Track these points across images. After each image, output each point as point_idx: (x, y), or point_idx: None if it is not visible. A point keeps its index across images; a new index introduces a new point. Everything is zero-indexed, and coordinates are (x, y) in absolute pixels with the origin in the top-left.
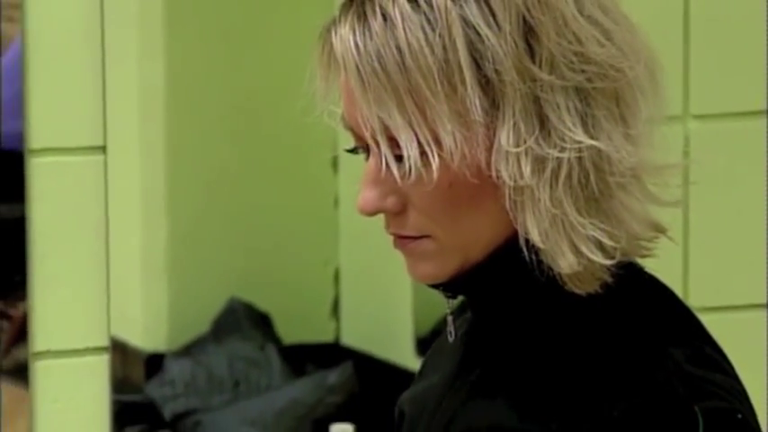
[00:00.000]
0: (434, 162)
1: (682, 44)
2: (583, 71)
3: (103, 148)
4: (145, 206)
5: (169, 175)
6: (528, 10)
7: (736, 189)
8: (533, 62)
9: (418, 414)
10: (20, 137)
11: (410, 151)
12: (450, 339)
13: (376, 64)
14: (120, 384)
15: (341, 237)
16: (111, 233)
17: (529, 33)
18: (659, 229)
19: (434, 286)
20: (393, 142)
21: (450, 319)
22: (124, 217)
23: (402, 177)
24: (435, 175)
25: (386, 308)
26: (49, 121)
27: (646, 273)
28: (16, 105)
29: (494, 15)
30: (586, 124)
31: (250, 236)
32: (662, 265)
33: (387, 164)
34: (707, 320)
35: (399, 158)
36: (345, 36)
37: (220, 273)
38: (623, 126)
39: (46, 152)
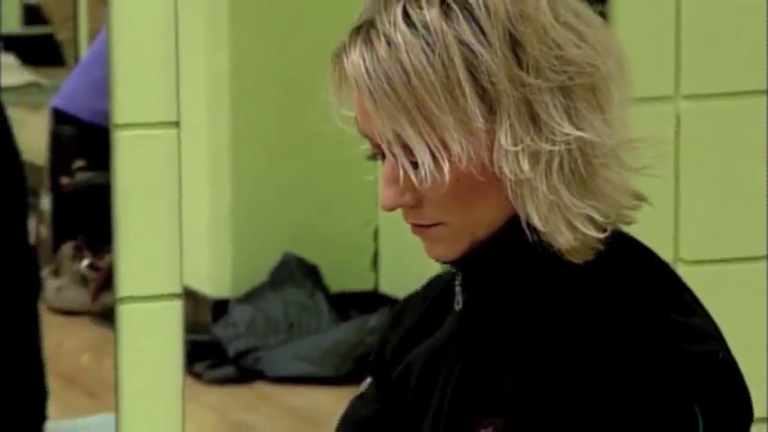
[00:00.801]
0: (445, 166)
1: (674, 27)
2: (564, 71)
3: (177, 123)
4: (212, 173)
5: (233, 146)
6: (512, 25)
7: (729, 156)
8: (521, 69)
9: (432, 356)
10: (105, 113)
11: (424, 158)
12: (457, 308)
13: (386, 86)
14: (190, 326)
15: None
16: (184, 196)
17: (515, 45)
18: (640, 198)
19: (446, 262)
20: (407, 150)
21: (458, 289)
22: (194, 183)
23: (420, 183)
24: (447, 178)
25: (418, 260)
26: (130, 100)
27: (627, 235)
28: (103, 86)
29: (483, 33)
30: (571, 117)
31: (302, 200)
32: (657, 222)
33: (405, 171)
34: (705, 272)
35: (414, 164)
36: (356, 62)
37: (277, 231)
38: (601, 113)
39: (128, 127)
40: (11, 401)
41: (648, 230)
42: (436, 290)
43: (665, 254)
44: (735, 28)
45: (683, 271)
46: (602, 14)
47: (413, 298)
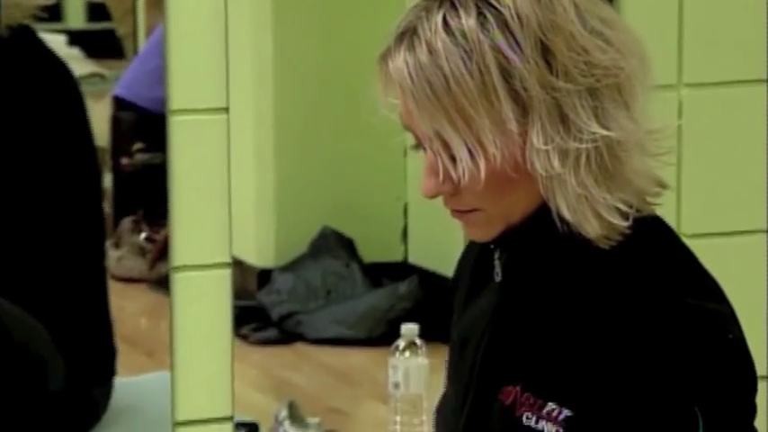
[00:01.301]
0: (481, 163)
1: (677, 17)
2: (592, 75)
3: (226, 109)
4: (257, 154)
5: (276, 130)
6: (543, 34)
7: (729, 139)
8: (552, 74)
9: (471, 328)
10: (161, 100)
11: (462, 155)
12: (497, 279)
13: (428, 90)
14: (238, 293)
15: (408, 178)
16: (232, 175)
17: (546, 52)
18: (662, 185)
19: (484, 243)
20: (446, 147)
21: (497, 263)
22: (241, 163)
23: (458, 178)
24: (483, 174)
25: (444, 233)
26: (184, 88)
27: (659, 221)
28: (159, 76)
29: (517, 42)
30: (598, 117)
31: (339, 178)
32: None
33: (443, 164)
34: (705, 245)
35: (453, 159)
36: (400, 66)
37: (316, 206)
38: (626, 109)
39: (182, 112)
40: (86, 357)
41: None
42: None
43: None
44: (735, 20)
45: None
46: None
47: (463, 269)
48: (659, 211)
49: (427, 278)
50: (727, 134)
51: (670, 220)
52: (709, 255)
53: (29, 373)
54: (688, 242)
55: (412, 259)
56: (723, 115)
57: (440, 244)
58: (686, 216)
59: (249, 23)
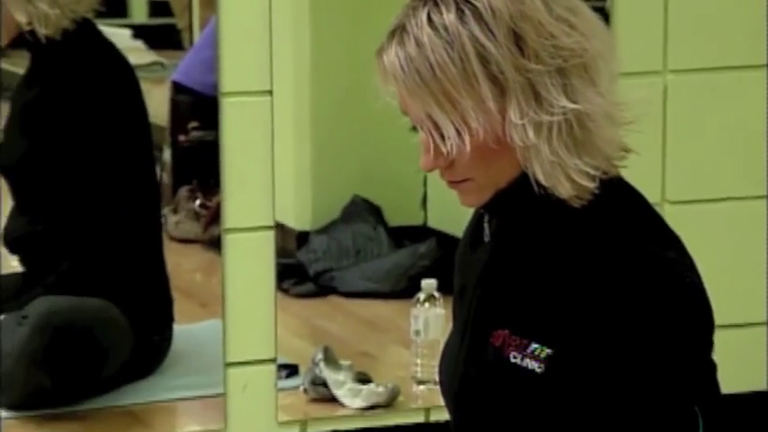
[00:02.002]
0: (466, 139)
1: (662, 13)
2: (559, 56)
3: (270, 92)
4: (296, 131)
5: (313, 109)
6: (514, 23)
7: (708, 119)
8: (524, 58)
9: (466, 278)
10: (214, 85)
11: (449, 133)
12: (486, 240)
13: (417, 78)
14: (279, 252)
15: None
16: (275, 149)
17: (517, 39)
18: (627, 150)
19: (477, 208)
20: (436, 126)
21: (486, 225)
22: (282, 139)
23: (447, 152)
24: (468, 147)
25: (457, 201)
26: (233, 74)
27: (623, 181)
28: (211, 64)
29: (491, 31)
30: (567, 92)
31: (366, 152)
32: (647, 171)
33: (435, 142)
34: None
35: (443, 137)
36: (392, 60)
37: (347, 177)
38: (593, 85)
39: (232, 94)
40: (147, 308)
41: (640, 177)
42: (473, 220)
43: (654, 196)
44: (716, 13)
45: (668, 210)
46: (602, 9)
47: (466, 231)
48: (644, 179)
49: (444, 240)
50: (707, 116)
51: (656, 188)
52: (689, 219)
53: (100, 326)
54: (671, 208)
55: (430, 223)
56: (703, 99)
57: (454, 210)
58: (669, 186)
59: (290, 16)
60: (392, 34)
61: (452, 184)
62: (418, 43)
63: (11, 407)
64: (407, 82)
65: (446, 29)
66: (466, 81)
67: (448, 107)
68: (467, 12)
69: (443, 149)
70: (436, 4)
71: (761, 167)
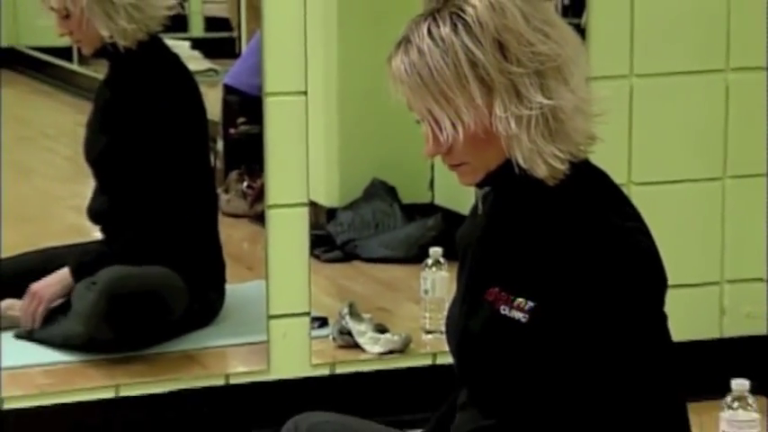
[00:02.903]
0: (460, 130)
1: (629, 25)
2: (537, 60)
3: (305, 92)
4: (326, 125)
5: (339, 108)
6: (499, 34)
7: (668, 116)
8: (507, 62)
9: (466, 247)
10: (258, 87)
11: (446, 126)
12: (479, 212)
13: (418, 80)
14: (312, 224)
15: None
16: (309, 140)
17: (501, 47)
18: (594, 138)
19: (471, 185)
20: (435, 120)
21: (480, 200)
22: (315, 131)
23: (445, 141)
24: (462, 137)
25: (458, 184)
26: (275, 77)
27: (590, 164)
28: (257, 69)
29: (479, 41)
30: (543, 91)
31: (384, 142)
32: (615, 157)
33: (435, 133)
34: (650, 191)
35: (440, 128)
36: (398, 65)
37: (368, 163)
38: (565, 84)
39: (273, 94)
40: (205, 269)
41: (611, 162)
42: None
43: (621, 178)
44: (674, 26)
45: (633, 190)
46: (578, 25)
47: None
48: (613, 164)
49: (448, 215)
50: (666, 113)
51: (623, 171)
52: (652, 197)
53: (162, 290)
54: (636, 188)
55: (437, 201)
56: (663, 98)
57: (457, 190)
58: (635, 169)
59: (320, 30)
60: (399, 45)
61: (451, 167)
62: (420, 52)
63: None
64: (411, 83)
65: (442, 39)
66: (458, 82)
67: (444, 104)
68: (459, 25)
69: (441, 139)
70: (435, 20)
71: (713, 155)
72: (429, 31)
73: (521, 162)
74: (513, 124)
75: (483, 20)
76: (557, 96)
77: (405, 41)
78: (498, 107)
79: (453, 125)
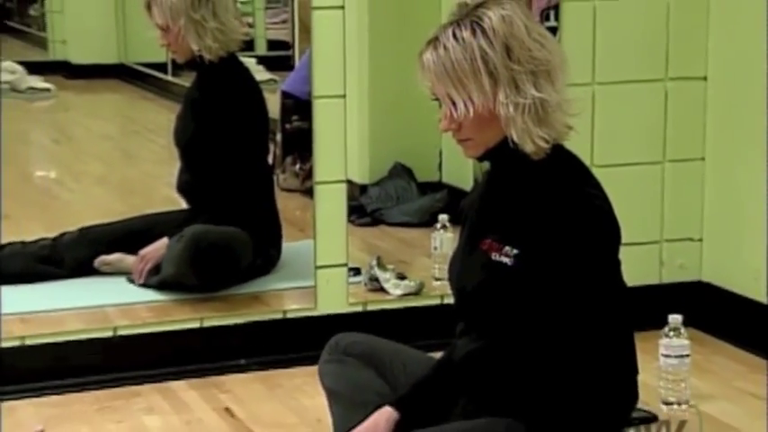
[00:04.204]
0: (471, 110)
1: (591, 39)
2: (533, 63)
3: (344, 96)
4: (359, 121)
5: (370, 107)
6: (507, 40)
7: (624, 116)
8: (511, 62)
9: (468, 211)
10: (308, 92)
11: (460, 106)
12: (479, 181)
13: (443, 70)
14: (349, 197)
15: (442, 136)
16: (347, 133)
17: (508, 50)
18: (570, 128)
19: (474, 158)
20: (452, 101)
21: (481, 178)
22: (351, 125)
23: (458, 117)
24: (471, 115)
25: (459, 167)
26: (321, 83)
27: (564, 147)
28: (307, 78)
29: (491, 44)
30: (536, 86)
31: (404, 135)
32: (581, 142)
33: (451, 111)
34: (610, 172)
35: (456, 108)
36: (429, 58)
37: (391, 150)
38: (552, 85)
39: (320, 97)
40: (267, 230)
41: (578, 148)
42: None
43: (586, 161)
44: (625, 46)
45: (595, 171)
46: (555, 29)
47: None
48: (580, 148)
49: (452, 190)
50: (620, 112)
51: (587, 156)
52: (609, 176)
53: (233, 244)
54: (597, 170)
55: (444, 180)
56: (618, 101)
57: (459, 171)
58: (596, 154)
59: (356, 49)
60: (429, 43)
61: (459, 141)
62: (445, 48)
63: (176, 293)
64: (437, 72)
65: (464, 40)
66: (473, 73)
67: (460, 89)
68: (478, 31)
69: (456, 116)
70: (458, 25)
71: (655, 144)
72: (454, 34)
73: (515, 138)
74: (511, 109)
75: (496, 28)
76: (545, 92)
77: (435, 40)
78: (501, 94)
79: (466, 106)
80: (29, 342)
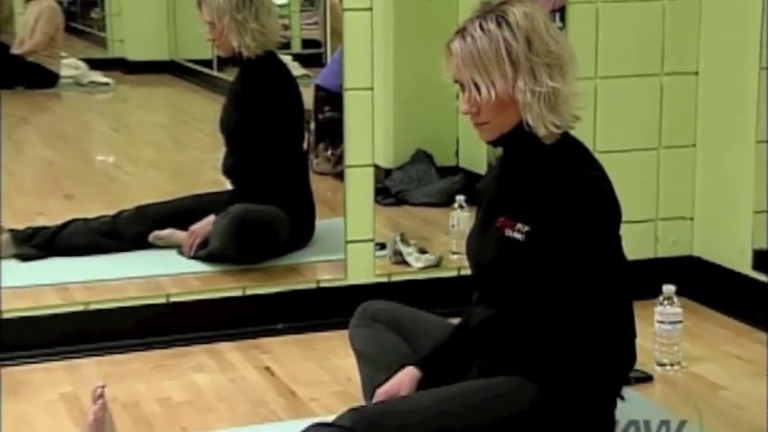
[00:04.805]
0: (492, 94)
1: (594, 38)
2: (549, 56)
3: (371, 88)
4: (384, 110)
5: (395, 98)
6: (528, 33)
7: (623, 106)
8: (531, 53)
9: (484, 191)
10: (340, 85)
11: (482, 90)
12: (495, 164)
13: (469, 57)
14: (375, 179)
15: (459, 124)
16: (374, 123)
17: (528, 42)
18: (577, 118)
19: (489, 142)
20: (476, 86)
21: (495, 162)
22: (378, 115)
23: (481, 100)
24: (493, 99)
25: (475, 153)
26: (352, 77)
27: (571, 134)
28: (339, 73)
29: (514, 35)
30: (550, 76)
31: (425, 123)
32: (586, 129)
33: (473, 95)
34: (611, 158)
35: (479, 92)
36: (457, 46)
37: (413, 137)
38: (563, 77)
39: (350, 89)
40: (302, 209)
41: (582, 136)
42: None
43: (590, 146)
44: (625, 44)
45: (598, 156)
46: (561, 30)
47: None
48: (584, 135)
49: (468, 174)
50: (620, 103)
51: (590, 143)
52: (611, 161)
53: (272, 220)
54: (599, 155)
55: (461, 164)
56: (618, 94)
57: (474, 157)
58: (599, 141)
59: (382, 46)
60: (457, 32)
61: (478, 125)
62: (472, 38)
63: (221, 264)
64: (463, 59)
65: (489, 31)
66: (496, 62)
67: (484, 75)
68: (503, 23)
69: (478, 100)
70: (485, 18)
71: (651, 133)
72: (480, 25)
73: (530, 122)
74: (528, 95)
75: (520, 22)
76: (558, 83)
77: (462, 31)
78: (521, 82)
79: (488, 90)
80: (92, 307)
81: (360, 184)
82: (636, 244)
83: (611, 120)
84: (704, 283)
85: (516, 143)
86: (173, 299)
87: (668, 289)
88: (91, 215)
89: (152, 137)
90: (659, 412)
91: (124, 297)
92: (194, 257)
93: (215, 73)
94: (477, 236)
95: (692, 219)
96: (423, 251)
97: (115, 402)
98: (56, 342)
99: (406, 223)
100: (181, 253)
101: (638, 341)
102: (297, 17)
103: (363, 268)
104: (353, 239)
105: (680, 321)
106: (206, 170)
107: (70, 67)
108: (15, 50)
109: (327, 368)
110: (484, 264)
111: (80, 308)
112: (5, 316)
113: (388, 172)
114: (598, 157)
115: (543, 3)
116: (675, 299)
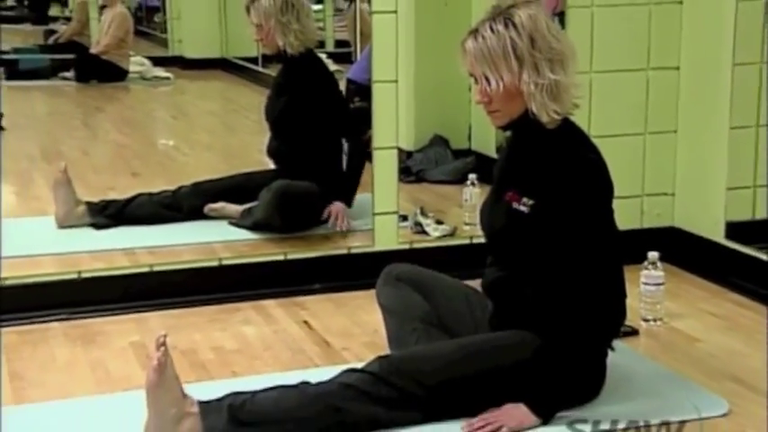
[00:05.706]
0: (501, 86)
1: (589, 36)
2: (551, 52)
3: (396, 81)
4: (406, 101)
5: (415, 89)
6: (531, 32)
7: (614, 96)
8: (534, 50)
9: (495, 171)
10: (369, 79)
11: (492, 83)
12: (504, 145)
13: (480, 54)
14: (399, 160)
15: (472, 113)
16: (399, 110)
17: (532, 40)
18: (577, 105)
19: (500, 127)
20: (486, 79)
21: (505, 141)
22: (401, 104)
23: (491, 91)
24: (502, 90)
25: (485, 137)
26: (379, 71)
27: (570, 120)
28: (368, 68)
29: (520, 35)
30: (552, 71)
31: (442, 111)
32: (582, 116)
33: (485, 87)
34: (606, 141)
35: (489, 84)
36: (470, 45)
37: (431, 123)
38: (563, 71)
39: (378, 82)
40: (335, 185)
41: (579, 120)
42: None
43: (586, 130)
44: (615, 42)
45: (594, 140)
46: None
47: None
48: (581, 120)
49: (480, 156)
50: (612, 94)
51: (586, 127)
52: (603, 145)
53: (309, 194)
54: (595, 139)
55: (473, 147)
56: (610, 86)
57: (484, 141)
58: (594, 126)
59: (404, 43)
60: (470, 33)
61: (490, 113)
62: (483, 38)
63: (265, 232)
64: (476, 56)
65: (498, 32)
66: (504, 58)
67: (494, 69)
68: (510, 25)
69: (489, 91)
70: (494, 20)
71: (638, 119)
72: (490, 27)
73: (534, 110)
74: (532, 87)
75: (524, 23)
76: (559, 76)
77: (475, 31)
78: (525, 75)
79: (497, 83)
80: (156, 269)
81: (385, 164)
82: (624, 216)
83: (604, 108)
84: (683, 251)
85: (523, 128)
86: (224, 262)
87: (652, 255)
88: (154, 190)
89: (206, 123)
90: (644, 362)
91: (183, 260)
92: (241, 226)
93: (260, 68)
94: (489, 207)
95: (673, 194)
96: (439, 222)
97: (175, 350)
98: (125, 298)
99: (425, 198)
100: (231, 223)
101: (627, 300)
102: (330, 20)
103: (388, 237)
104: (380, 212)
105: (662, 283)
106: (253, 152)
107: (137, 63)
108: (92, 50)
109: (357, 322)
110: (495, 232)
111: (146, 269)
112: (85, 276)
113: (409, 154)
114: (593, 140)
115: (546, 6)
116: (659, 264)
